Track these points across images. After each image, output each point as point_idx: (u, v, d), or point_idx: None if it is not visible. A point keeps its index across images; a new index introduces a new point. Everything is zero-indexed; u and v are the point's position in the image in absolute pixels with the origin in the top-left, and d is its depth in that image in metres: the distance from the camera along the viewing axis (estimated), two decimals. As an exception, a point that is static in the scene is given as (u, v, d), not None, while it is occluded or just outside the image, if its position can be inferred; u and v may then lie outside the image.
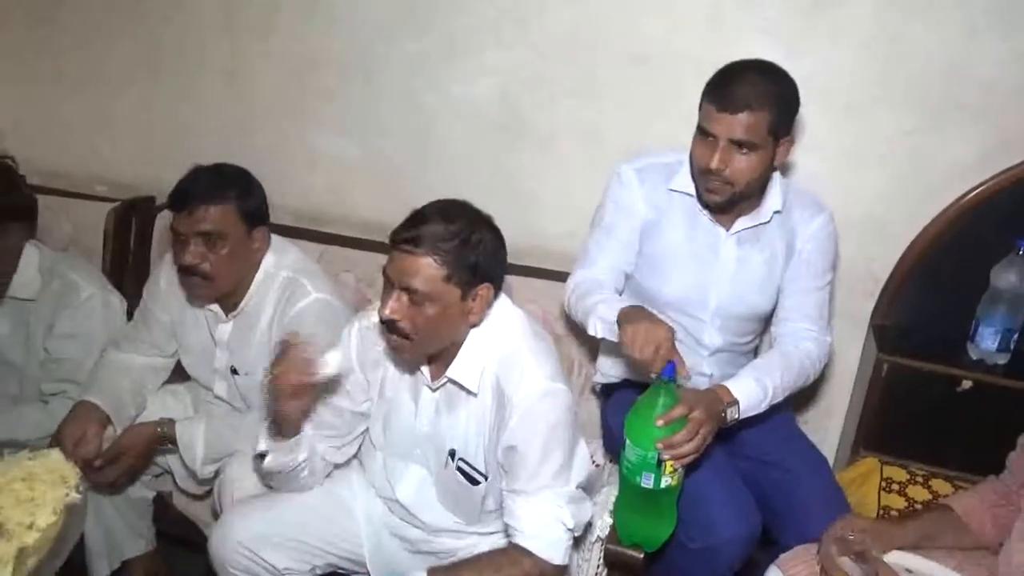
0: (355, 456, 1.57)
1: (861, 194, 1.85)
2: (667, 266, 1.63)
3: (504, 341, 1.35)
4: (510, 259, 1.95)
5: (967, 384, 1.72)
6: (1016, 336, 1.73)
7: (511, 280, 1.89)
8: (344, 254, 2.09)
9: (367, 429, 1.53)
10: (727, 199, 1.52)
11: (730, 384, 1.46)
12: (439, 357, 1.38)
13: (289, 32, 2.18)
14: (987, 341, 1.74)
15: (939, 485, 1.71)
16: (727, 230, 1.60)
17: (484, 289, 1.32)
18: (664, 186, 1.62)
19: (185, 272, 1.62)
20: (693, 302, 1.64)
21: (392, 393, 1.46)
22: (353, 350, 1.45)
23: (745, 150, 1.46)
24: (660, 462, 1.33)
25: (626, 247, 1.65)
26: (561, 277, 1.89)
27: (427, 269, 1.26)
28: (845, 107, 1.79)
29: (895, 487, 1.71)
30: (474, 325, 1.35)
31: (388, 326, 1.31)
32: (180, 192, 1.59)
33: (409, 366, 1.43)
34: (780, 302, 1.65)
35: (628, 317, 1.43)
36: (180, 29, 2.27)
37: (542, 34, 1.97)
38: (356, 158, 2.24)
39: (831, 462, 1.97)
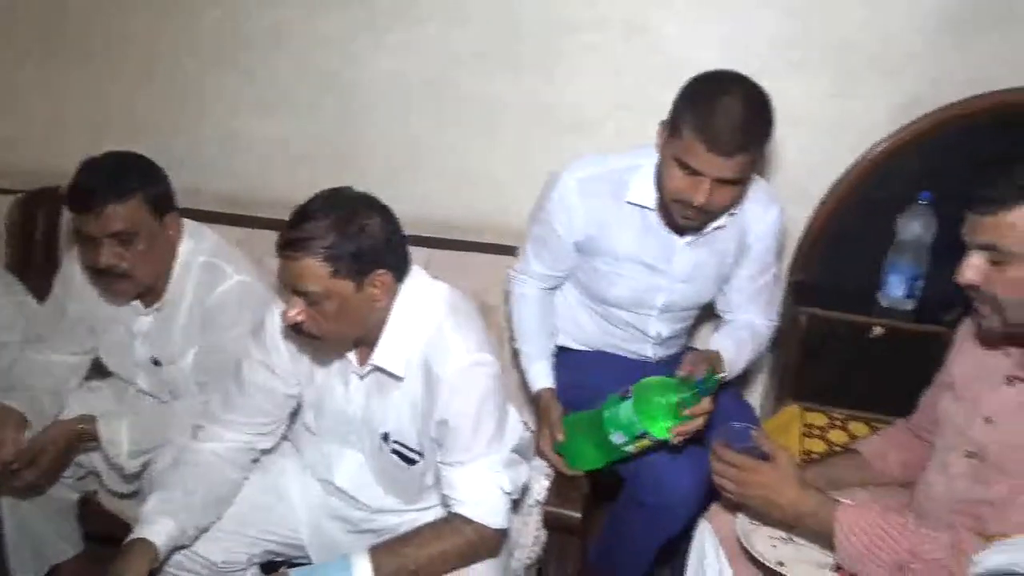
0: (285, 440, 1.55)
1: (781, 158, 1.91)
2: (617, 274, 1.63)
3: (426, 320, 1.34)
4: (445, 235, 2.00)
5: (878, 330, 1.81)
6: (921, 283, 1.82)
7: (445, 256, 1.91)
8: (270, 237, 2.02)
9: (299, 413, 1.51)
10: (703, 224, 1.53)
11: (726, 360, 1.54)
12: (364, 342, 1.37)
13: (206, 10, 2.10)
14: (895, 289, 1.83)
15: (857, 427, 1.79)
16: (680, 238, 1.58)
17: (381, 275, 1.29)
18: (613, 198, 1.57)
19: (101, 273, 1.55)
20: (640, 303, 1.67)
21: (322, 379, 1.44)
22: (278, 333, 1.43)
23: (731, 185, 1.42)
24: (641, 436, 1.42)
25: (558, 259, 1.67)
26: (497, 250, 1.91)
27: (311, 269, 1.24)
28: (760, 71, 1.83)
29: (816, 432, 1.79)
30: (386, 311, 1.33)
31: (295, 329, 1.30)
32: (81, 192, 1.50)
33: (335, 353, 1.42)
34: (730, 293, 1.69)
35: None
36: (90, 4, 2.16)
37: (473, 6, 1.95)
38: (282, 139, 2.19)
39: (760, 412, 2.06)
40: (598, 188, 1.57)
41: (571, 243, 1.62)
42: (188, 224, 1.67)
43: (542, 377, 1.66)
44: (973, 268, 1.16)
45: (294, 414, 1.53)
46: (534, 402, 1.66)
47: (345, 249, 1.24)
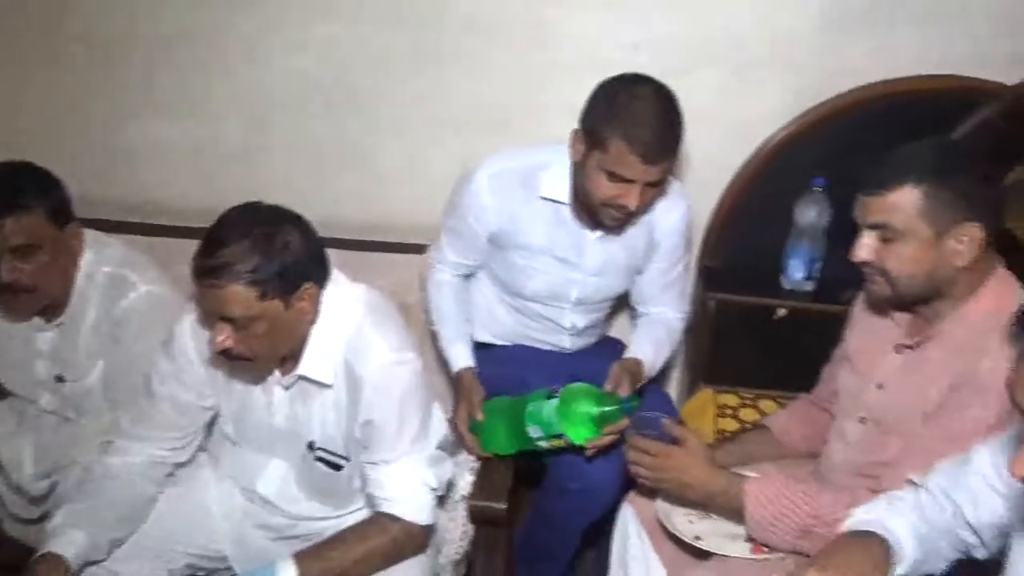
0: (202, 451, 1.52)
1: (686, 151, 1.96)
2: (529, 269, 1.66)
3: (346, 324, 1.33)
4: (357, 235, 1.98)
5: (782, 312, 1.90)
6: (819, 265, 1.92)
7: (360, 257, 1.89)
8: (180, 246, 1.95)
9: (214, 423, 1.48)
10: (629, 223, 1.58)
11: (646, 366, 1.61)
12: (287, 355, 1.35)
13: (105, 8, 2.02)
14: (796, 272, 1.92)
15: (766, 405, 1.88)
16: (592, 232, 1.62)
17: (308, 288, 1.27)
18: (525, 193, 1.60)
19: (2, 290, 1.48)
20: (554, 297, 1.70)
21: (241, 389, 1.41)
22: (189, 345, 1.39)
23: (657, 185, 1.49)
24: (557, 436, 1.45)
25: (471, 250, 1.70)
26: (410, 249, 1.91)
27: (237, 296, 1.20)
28: (663, 69, 1.89)
29: (729, 412, 1.87)
30: (312, 323, 1.32)
31: (225, 355, 1.26)
32: None
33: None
34: (642, 287, 1.73)
35: None
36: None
37: (381, 6, 1.94)
38: (187, 144, 2.12)
39: (676, 398, 2.13)
40: (510, 183, 1.60)
41: (484, 236, 1.65)
42: (89, 234, 1.61)
43: (462, 357, 1.68)
44: (865, 247, 1.24)
45: (211, 424, 1.49)
46: (454, 382, 1.67)
47: (270, 270, 1.21)
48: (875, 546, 0.99)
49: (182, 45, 2.03)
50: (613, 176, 1.44)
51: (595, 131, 1.44)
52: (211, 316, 1.25)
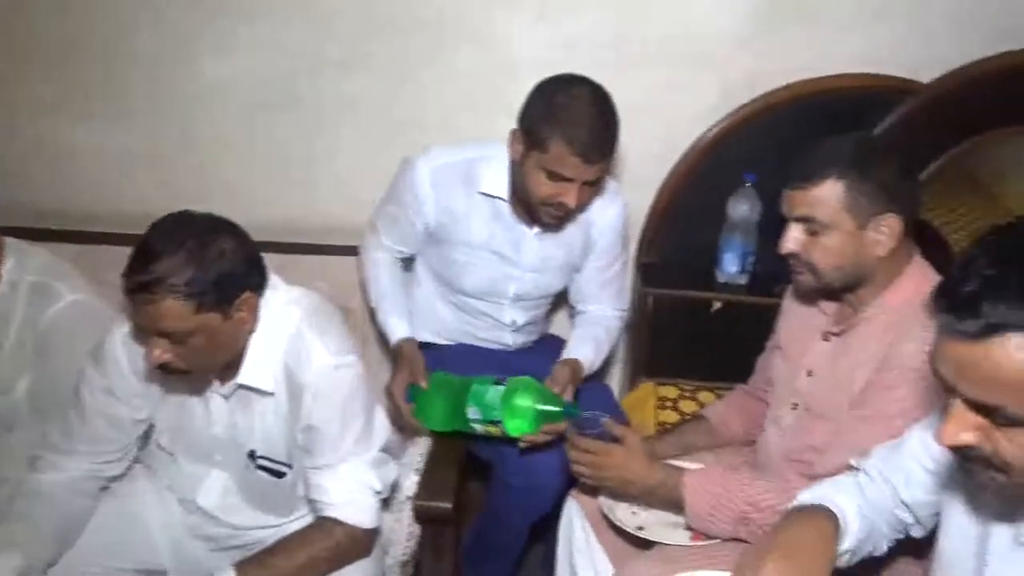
0: (137, 463, 1.48)
1: (622, 148, 2.00)
2: (468, 265, 1.67)
3: (285, 330, 1.31)
4: (295, 238, 1.95)
5: (718, 305, 1.95)
6: (752, 258, 1.97)
7: (299, 260, 1.87)
8: (109, 253, 1.90)
9: (150, 434, 1.44)
10: (568, 220, 1.60)
11: (585, 367, 1.63)
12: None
13: (30, 9, 1.94)
14: (730, 265, 1.97)
15: (705, 396, 1.93)
16: (530, 229, 1.64)
17: (246, 297, 1.25)
18: (464, 187, 1.61)
19: None
20: (494, 293, 1.71)
21: (177, 400, 1.38)
22: (121, 357, 1.35)
23: (595, 183, 1.52)
24: (494, 423, 1.46)
25: (405, 238, 1.71)
26: (350, 251, 1.89)
27: (173, 310, 1.16)
28: (596, 68, 1.92)
29: (669, 404, 1.91)
30: (251, 331, 1.29)
31: (162, 369, 1.23)
32: None
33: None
34: (581, 284, 1.76)
35: None
36: None
37: (316, 7, 1.91)
38: (115, 148, 2.07)
39: (618, 392, 2.16)
40: (450, 177, 1.61)
41: (420, 226, 1.66)
42: (10, 242, 1.54)
43: (401, 328, 1.68)
44: (792, 239, 1.28)
45: (146, 435, 1.45)
46: (394, 352, 1.67)
47: (206, 282, 1.18)
48: (823, 520, 1.02)
49: (110, 44, 1.97)
50: (552, 175, 1.46)
51: (534, 131, 1.46)
52: (145, 331, 1.21)
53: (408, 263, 1.81)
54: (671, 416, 1.87)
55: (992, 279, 0.72)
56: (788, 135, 1.86)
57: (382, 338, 1.79)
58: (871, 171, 1.21)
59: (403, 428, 1.63)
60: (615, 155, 1.54)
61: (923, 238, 1.31)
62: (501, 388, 1.49)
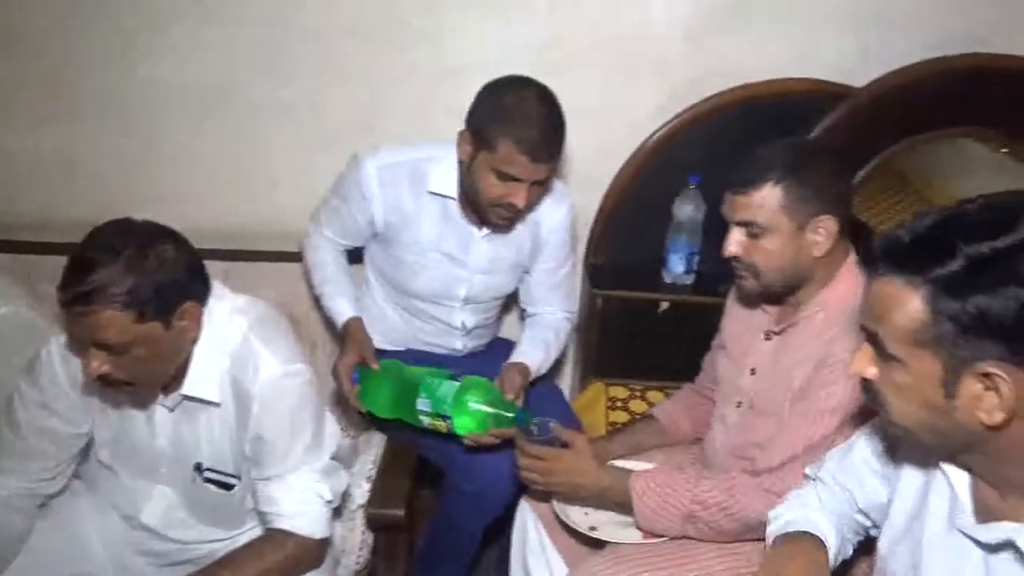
0: (77, 478, 1.43)
1: (568, 150, 2.02)
2: (417, 266, 1.66)
3: (231, 339, 1.28)
4: (242, 245, 1.92)
5: (665, 305, 1.98)
6: (698, 258, 2.01)
7: (245, 267, 1.84)
8: (44, 263, 1.83)
9: (90, 450, 1.40)
10: (517, 221, 1.60)
11: (533, 371, 1.63)
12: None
13: None
14: (676, 266, 2.00)
15: (654, 396, 1.95)
16: (479, 230, 1.64)
17: (188, 306, 1.22)
18: (412, 187, 1.61)
19: None
20: (443, 295, 1.71)
21: (119, 413, 1.34)
22: (58, 370, 1.30)
23: (543, 183, 1.53)
24: (443, 417, 1.46)
25: (347, 233, 1.71)
26: (295, 258, 1.86)
27: (112, 321, 1.13)
28: (542, 70, 1.94)
29: (619, 404, 1.93)
30: (195, 341, 1.26)
31: (102, 381, 1.20)
32: None
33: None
34: (531, 287, 1.76)
35: None
36: None
37: (256, 10, 1.88)
38: (52, 153, 2.00)
39: (568, 392, 2.18)
40: (398, 176, 1.61)
41: (364, 223, 1.65)
42: (-62, 253, 1.49)
43: (349, 308, 1.67)
44: (735, 242, 1.32)
45: (85, 451, 1.41)
46: (343, 332, 1.65)
47: (146, 291, 1.14)
48: (814, 550, 1.05)
49: (49, 46, 1.91)
50: (502, 175, 1.47)
51: (483, 132, 1.47)
52: (83, 343, 1.18)
53: (350, 256, 1.80)
54: (621, 416, 1.90)
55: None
56: (730, 137, 1.90)
57: (332, 342, 1.78)
58: (807, 175, 1.25)
59: (344, 407, 1.62)
60: (563, 156, 1.55)
61: (859, 238, 1.35)
62: (456, 384, 1.49)
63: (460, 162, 1.55)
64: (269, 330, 1.33)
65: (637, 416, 1.89)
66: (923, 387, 0.81)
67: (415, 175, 1.61)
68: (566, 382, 2.24)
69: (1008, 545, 0.83)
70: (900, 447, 1.01)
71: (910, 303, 0.79)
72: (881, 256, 0.83)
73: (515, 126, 1.43)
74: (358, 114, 1.97)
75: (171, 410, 1.31)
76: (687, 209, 1.97)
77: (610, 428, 1.85)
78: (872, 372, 0.86)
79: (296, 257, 1.85)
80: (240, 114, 1.98)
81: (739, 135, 1.86)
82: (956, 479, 0.89)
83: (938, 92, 1.96)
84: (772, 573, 0.99)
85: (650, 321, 1.99)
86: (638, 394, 1.97)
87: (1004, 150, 2.12)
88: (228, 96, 1.96)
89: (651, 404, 1.92)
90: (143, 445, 1.35)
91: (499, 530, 1.71)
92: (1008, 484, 0.84)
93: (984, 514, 0.86)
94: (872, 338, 0.85)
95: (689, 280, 2.02)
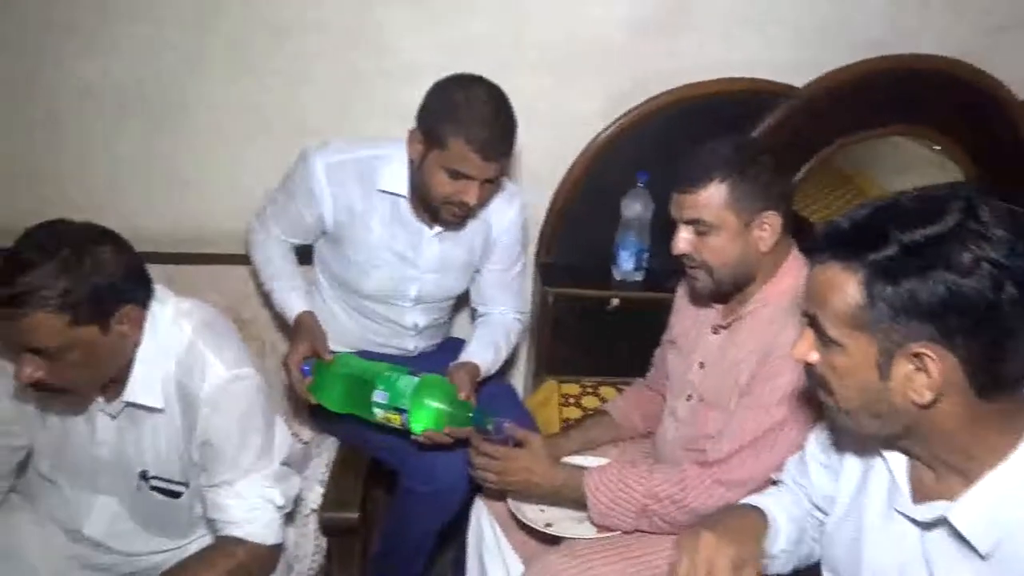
0: (13, 492, 1.39)
1: (522, 153, 2.02)
2: (368, 265, 1.65)
3: (175, 343, 1.26)
4: (183, 248, 1.87)
5: (615, 302, 2.00)
6: (647, 255, 2.04)
7: (189, 271, 1.80)
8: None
9: (28, 462, 1.35)
10: (468, 219, 1.60)
11: (483, 371, 1.63)
12: (111, 380, 1.26)
13: None
14: (626, 263, 2.03)
15: (607, 391, 1.97)
16: (430, 229, 1.63)
17: (128, 310, 1.19)
18: (363, 186, 1.59)
19: None
20: (394, 295, 1.69)
21: (58, 422, 1.30)
22: None
23: (494, 181, 1.53)
24: (398, 411, 1.45)
25: (295, 230, 1.68)
26: (241, 260, 1.83)
27: (45, 324, 1.10)
28: (490, 71, 1.94)
29: (572, 401, 1.95)
30: (137, 345, 1.23)
31: (36, 387, 1.16)
32: None
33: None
34: (482, 287, 1.76)
35: None
36: None
37: (187, 7, 1.83)
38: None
39: (522, 391, 2.19)
40: (347, 175, 1.59)
41: (312, 220, 1.63)
42: None
43: (300, 302, 1.65)
44: (683, 240, 1.34)
45: (23, 463, 1.36)
46: (294, 326, 1.63)
47: (81, 293, 1.11)
48: (752, 510, 1.08)
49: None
50: (453, 173, 1.47)
51: (433, 130, 1.46)
52: (15, 348, 1.14)
53: (300, 257, 1.77)
54: (575, 412, 1.91)
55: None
56: (676, 136, 1.93)
57: (284, 342, 1.75)
58: (751, 172, 1.28)
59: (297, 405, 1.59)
60: (513, 154, 1.55)
61: (801, 233, 1.38)
62: (415, 379, 1.49)
63: (411, 161, 1.54)
64: (216, 334, 1.30)
65: (590, 412, 1.91)
66: (860, 370, 0.84)
67: (365, 173, 1.59)
68: (520, 380, 2.25)
69: (942, 522, 0.86)
70: (844, 437, 1.04)
71: (848, 287, 0.83)
72: (822, 243, 0.87)
73: (466, 124, 1.43)
74: (302, 115, 1.94)
75: (113, 417, 1.28)
76: (635, 207, 1.99)
77: (564, 424, 1.86)
78: (814, 357, 0.90)
79: (242, 259, 1.82)
80: (180, 114, 1.93)
81: (684, 134, 1.88)
82: (895, 463, 0.92)
83: (872, 92, 2.04)
84: (709, 523, 1.01)
85: (601, 318, 2.01)
86: (591, 390, 1.99)
87: (937, 148, 2.21)
88: (166, 96, 1.91)
89: (604, 400, 1.94)
90: (84, 454, 1.31)
91: (455, 530, 1.71)
92: (942, 464, 0.88)
93: (920, 495, 0.90)
94: (813, 323, 0.89)
95: (639, 277, 2.05)
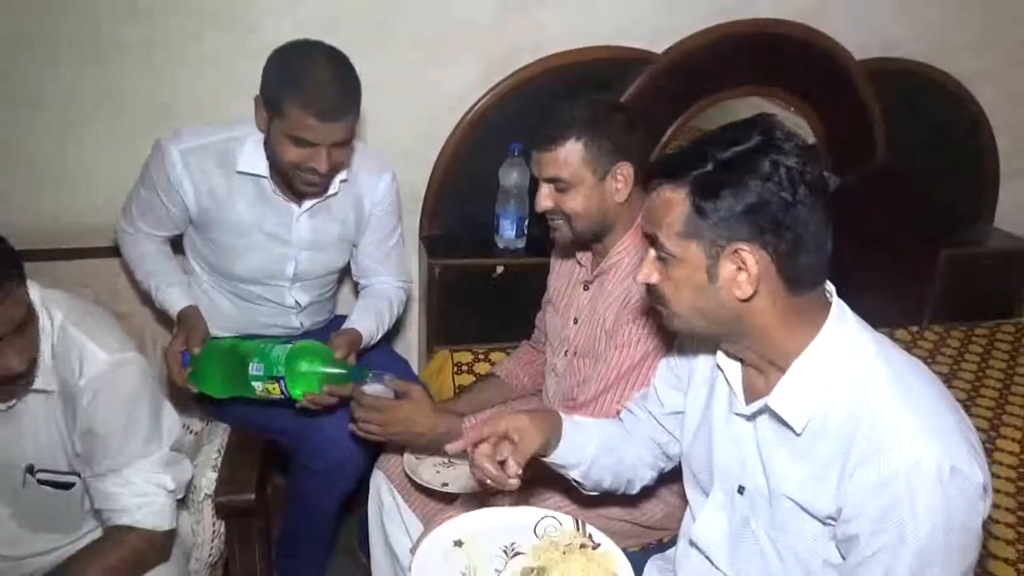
0: None
1: (389, 127, 2.04)
2: (239, 248, 1.62)
3: (46, 331, 1.22)
4: (44, 245, 1.80)
5: (500, 269, 2.06)
6: (527, 222, 2.11)
7: (57, 267, 1.74)
8: None
9: None
10: (327, 186, 1.57)
11: (365, 337, 1.64)
12: None
13: None
14: (508, 231, 2.09)
15: (496, 356, 2.02)
16: (298, 206, 1.61)
17: None
18: (222, 169, 1.56)
19: None
20: (270, 275, 1.68)
21: None
22: None
23: (344, 145, 1.49)
24: (276, 380, 1.45)
25: (162, 223, 1.65)
26: (112, 253, 1.78)
27: None
28: (361, 47, 1.93)
29: (464, 368, 2.00)
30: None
31: None
32: None
33: None
34: (361, 260, 1.76)
35: None
36: None
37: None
38: None
39: (416, 363, 2.22)
40: (204, 160, 1.56)
41: (177, 211, 1.60)
42: None
43: (181, 298, 1.63)
44: (545, 197, 1.42)
45: None
46: (177, 321, 1.61)
47: None
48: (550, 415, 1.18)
49: None
50: (297, 140, 1.44)
51: (272, 98, 1.44)
52: None
53: (172, 246, 1.74)
54: (467, 379, 1.95)
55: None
56: (545, 105, 1.96)
57: (167, 335, 1.71)
58: (604, 128, 1.36)
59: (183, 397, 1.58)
60: (359, 115, 1.51)
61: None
62: (288, 347, 1.49)
63: (264, 134, 1.52)
64: (89, 321, 1.27)
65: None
66: (693, 276, 0.97)
67: (222, 157, 1.56)
68: (413, 353, 2.29)
69: (765, 410, 1.00)
70: (688, 359, 1.16)
71: (677, 203, 0.96)
72: (656, 171, 1.02)
73: (301, 89, 1.40)
74: (165, 100, 1.89)
75: None
76: (512, 176, 2.06)
77: (457, 391, 1.91)
78: (655, 278, 1.01)
79: (112, 252, 1.77)
80: (38, 104, 1.84)
81: (552, 101, 1.91)
82: (731, 374, 1.06)
83: (724, 56, 2.17)
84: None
85: (487, 286, 2.06)
86: (482, 357, 2.04)
87: (791, 109, 2.37)
88: (22, 85, 1.82)
89: (494, 364, 2.00)
90: None
91: (356, 503, 1.74)
92: (765, 362, 1.01)
93: (752, 395, 1.04)
94: (654, 242, 1.00)
95: (521, 244, 2.11)
